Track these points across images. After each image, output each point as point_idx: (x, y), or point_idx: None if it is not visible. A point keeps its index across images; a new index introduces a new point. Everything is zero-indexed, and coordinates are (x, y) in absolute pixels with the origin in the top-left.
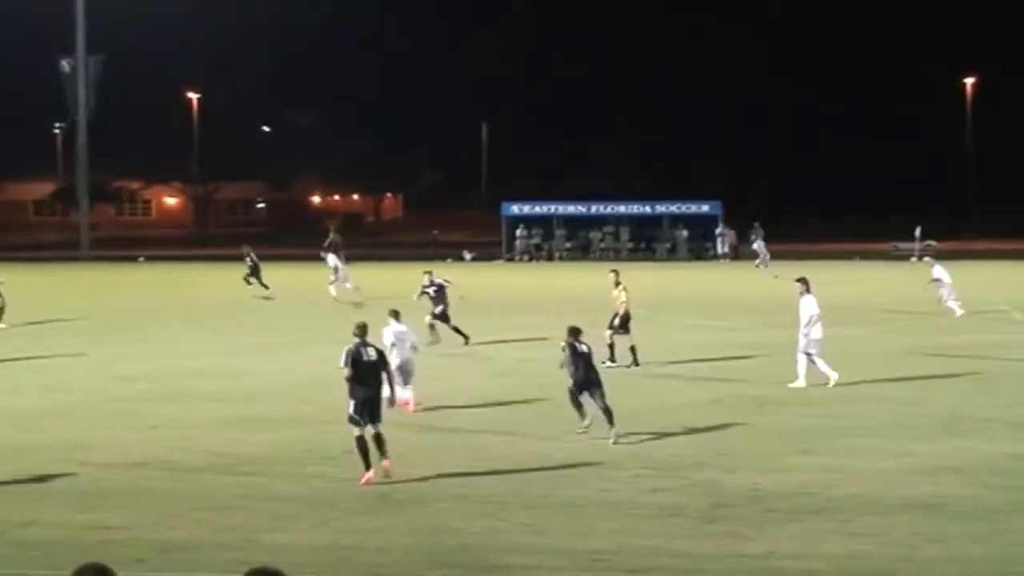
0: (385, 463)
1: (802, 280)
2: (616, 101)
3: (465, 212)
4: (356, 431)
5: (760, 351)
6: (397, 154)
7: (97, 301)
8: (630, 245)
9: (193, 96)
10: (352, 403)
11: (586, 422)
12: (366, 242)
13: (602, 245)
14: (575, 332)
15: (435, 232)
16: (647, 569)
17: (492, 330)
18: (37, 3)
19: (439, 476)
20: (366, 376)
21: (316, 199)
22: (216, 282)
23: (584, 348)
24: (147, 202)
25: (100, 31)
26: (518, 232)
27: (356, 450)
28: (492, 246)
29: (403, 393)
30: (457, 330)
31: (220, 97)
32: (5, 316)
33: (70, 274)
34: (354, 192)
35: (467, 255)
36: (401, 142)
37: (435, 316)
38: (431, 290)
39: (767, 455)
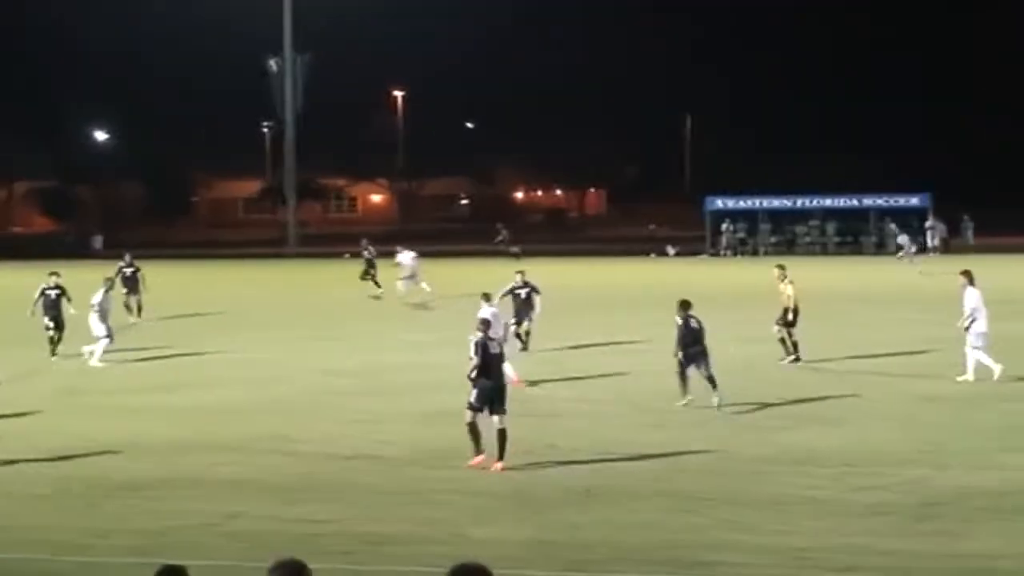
0: (498, 465)
1: (965, 273)
2: (821, 94)
3: (667, 206)
4: (469, 416)
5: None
6: (600, 148)
7: (303, 297)
8: (836, 239)
9: (398, 93)
10: (475, 392)
11: (684, 401)
12: (569, 237)
13: (807, 239)
14: (686, 306)
15: (652, 226)
16: (855, 568)
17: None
18: (245, 4)
19: (641, 473)
20: (491, 367)
21: (519, 194)
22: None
23: (694, 324)
24: (353, 199)
25: (307, 31)
26: (723, 226)
27: (468, 434)
28: (695, 241)
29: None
30: (520, 337)
31: (425, 93)
32: (143, 312)
33: (277, 271)
34: (558, 187)
35: (671, 250)
36: (605, 136)
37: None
38: (523, 292)
39: (974, 452)
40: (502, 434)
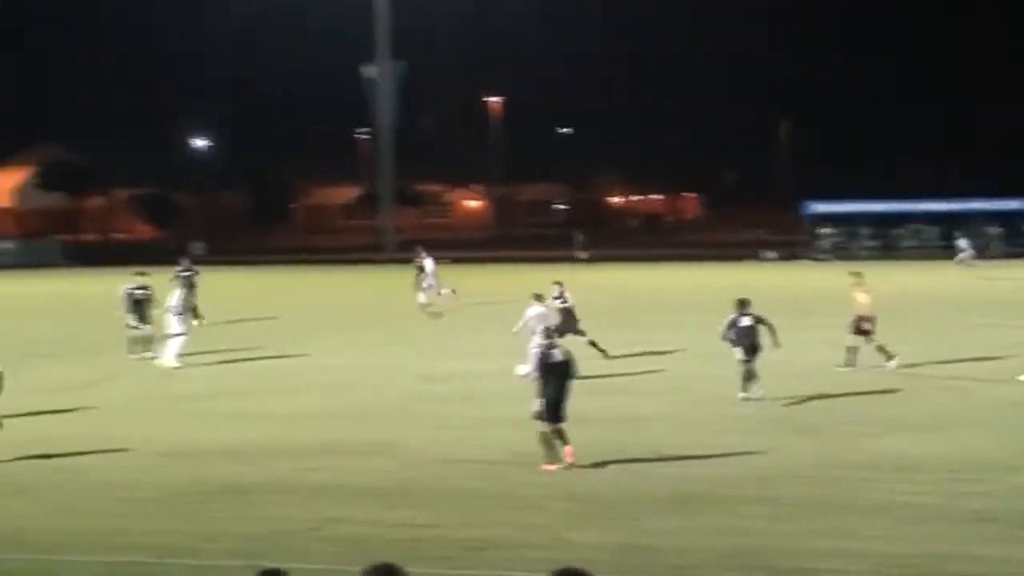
0: (568, 449)
1: None
2: (922, 96)
3: (763, 211)
4: (540, 426)
5: None
6: (697, 153)
7: (397, 302)
8: (938, 243)
9: (494, 99)
10: (540, 402)
11: (748, 393)
12: (666, 242)
13: (908, 243)
14: (742, 304)
15: (758, 231)
16: (962, 575)
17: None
18: (342, 14)
19: (734, 478)
20: (552, 377)
21: (616, 199)
22: (516, 281)
23: (748, 321)
24: (449, 205)
25: (403, 38)
26: (822, 231)
27: (540, 443)
28: (793, 245)
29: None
30: (594, 345)
31: (521, 99)
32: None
33: (372, 276)
34: (654, 192)
35: (769, 255)
36: (701, 141)
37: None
38: (558, 303)
39: None
40: (560, 432)
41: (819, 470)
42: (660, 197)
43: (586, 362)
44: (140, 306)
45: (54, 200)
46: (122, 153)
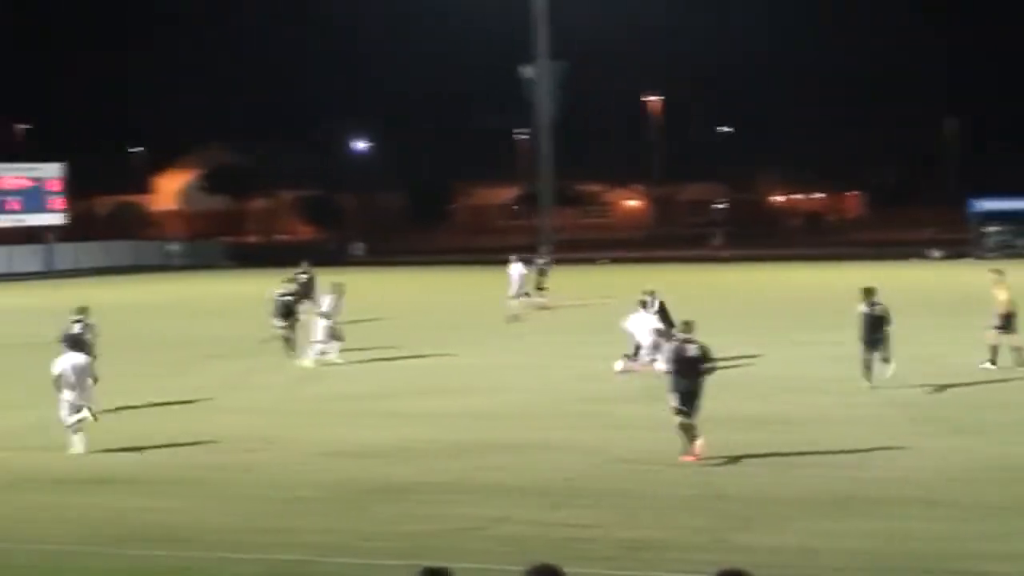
0: (699, 442)
1: None
2: None
3: (929, 209)
4: (679, 419)
5: None
6: (860, 151)
7: (556, 303)
8: None
9: (654, 99)
10: (675, 396)
11: (869, 383)
12: (828, 241)
13: None
14: (869, 293)
15: (928, 230)
16: None
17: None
18: (501, 13)
19: (902, 479)
20: (686, 370)
21: (777, 198)
22: (671, 280)
23: (879, 311)
24: (609, 205)
25: (563, 38)
26: (988, 228)
27: (679, 435)
28: (959, 244)
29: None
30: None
31: (681, 99)
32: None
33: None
34: (816, 191)
35: (935, 253)
36: (864, 139)
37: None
38: (650, 312)
39: None
40: (693, 427)
41: (977, 472)
42: (822, 196)
43: (745, 363)
44: (287, 309)
45: (218, 202)
46: (284, 155)
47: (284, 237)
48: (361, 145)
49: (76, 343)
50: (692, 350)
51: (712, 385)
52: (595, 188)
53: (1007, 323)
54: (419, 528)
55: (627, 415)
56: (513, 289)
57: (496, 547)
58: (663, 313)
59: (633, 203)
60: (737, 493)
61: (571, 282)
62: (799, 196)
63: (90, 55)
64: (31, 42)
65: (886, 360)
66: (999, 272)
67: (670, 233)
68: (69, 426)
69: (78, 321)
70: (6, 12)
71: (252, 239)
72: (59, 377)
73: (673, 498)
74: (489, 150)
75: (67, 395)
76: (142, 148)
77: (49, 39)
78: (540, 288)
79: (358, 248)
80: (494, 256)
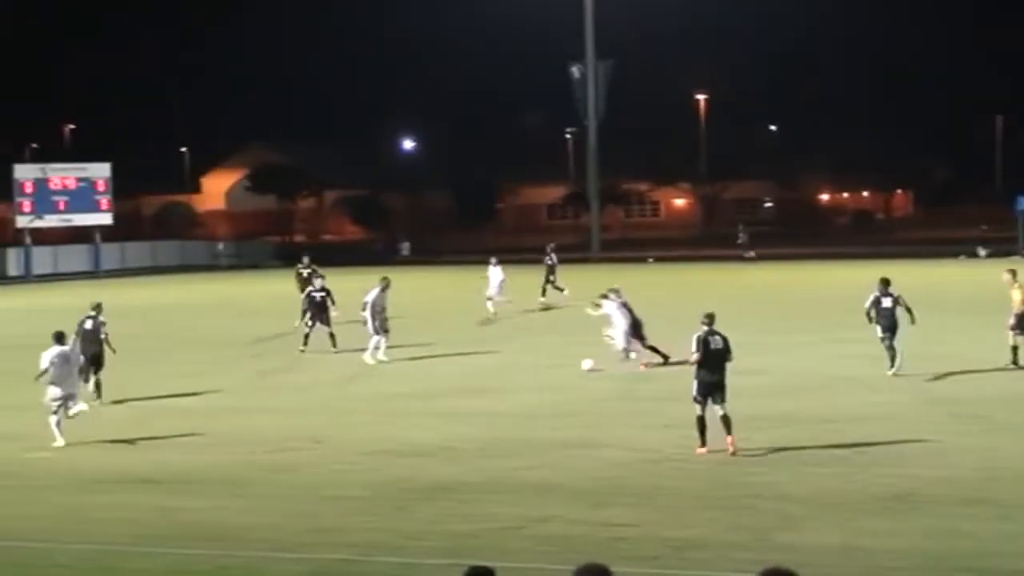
0: (729, 439)
1: None
2: None
3: (978, 207)
4: (697, 410)
5: None
6: (908, 150)
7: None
8: None
9: (700, 96)
10: (696, 384)
11: (892, 369)
12: (876, 239)
13: None
14: (884, 283)
15: (983, 227)
16: None
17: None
18: (548, 12)
19: (952, 479)
20: (711, 361)
21: (825, 197)
22: (716, 281)
23: (888, 303)
24: (655, 203)
25: (609, 36)
26: None
27: (696, 426)
28: (1008, 242)
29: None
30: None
31: (727, 97)
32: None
33: (580, 275)
34: (864, 189)
35: (982, 251)
36: (912, 137)
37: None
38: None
39: None
40: (725, 419)
41: (1020, 471)
42: (870, 194)
43: (785, 361)
44: (318, 306)
45: (265, 202)
46: (331, 155)
47: (331, 237)
48: (408, 144)
49: (60, 337)
50: (717, 342)
51: (752, 384)
52: (642, 187)
53: (1018, 323)
54: (462, 527)
55: (668, 414)
56: (491, 291)
57: (539, 546)
58: (627, 310)
59: (680, 202)
60: (779, 491)
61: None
62: (846, 195)
63: (138, 55)
64: (80, 43)
65: (893, 350)
66: (1013, 272)
67: (717, 232)
68: (56, 418)
69: (91, 317)
70: (55, 14)
71: (299, 239)
72: (44, 372)
73: (715, 497)
74: (536, 149)
75: (52, 390)
76: (189, 148)
77: (98, 39)
78: (555, 287)
79: (404, 247)
80: (540, 256)
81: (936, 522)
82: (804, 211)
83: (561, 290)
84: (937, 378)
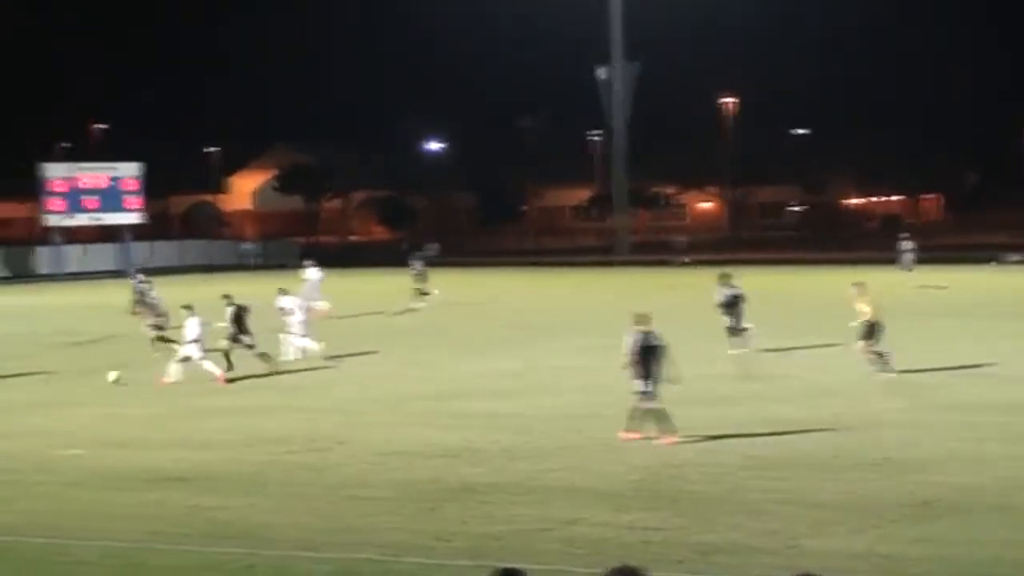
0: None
1: None
2: None
3: (1009, 212)
4: (634, 400)
5: None
6: (937, 154)
7: (631, 304)
8: None
9: (728, 100)
10: (640, 382)
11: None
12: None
13: None
14: (860, 286)
15: (1010, 231)
16: None
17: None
18: (574, 14)
19: (980, 487)
20: (649, 358)
21: (852, 202)
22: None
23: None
24: (682, 206)
25: (636, 39)
26: None
27: (634, 414)
28: None
29: None
30: None
31: (756, 100)
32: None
33: (605, 278)
34: (892, 194)
35: (1012, 257)
36: (942, 142)
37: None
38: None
39: None
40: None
41: None
42: (899, 199)
43: (811, 367)
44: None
45: (292, 203)
46: (358, 156)
47: (357, 237)
48: (434, 146)
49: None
50: (652, 339)
51: (779, 390)
52: (669, 190)
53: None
54: (489, 529)
55: (693, 417)
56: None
57: (566, 548)
58: (238, 320)
59: (707, 205)
60: (802, 497)
61: (647, 283)
62: (875, 199)
63: (168, 55)
64: (109, 42)
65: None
66: (861, 285)
67: (744, 236)
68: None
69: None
70: (83, 13)
71: (326, 239)
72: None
73: (743, 502)
74: (562, 151)
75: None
76: (218, 148)
77: (127, 39)
78: (421, 293)
79: (432, 249)
80: (566, 258)
81: (966, 530)
82: (830, 216)
83: (425, 295)
84: (961, 385)
